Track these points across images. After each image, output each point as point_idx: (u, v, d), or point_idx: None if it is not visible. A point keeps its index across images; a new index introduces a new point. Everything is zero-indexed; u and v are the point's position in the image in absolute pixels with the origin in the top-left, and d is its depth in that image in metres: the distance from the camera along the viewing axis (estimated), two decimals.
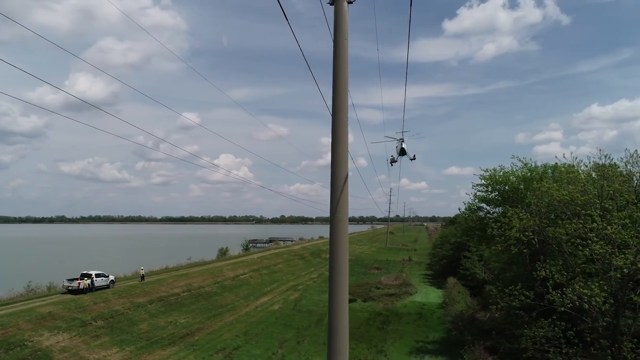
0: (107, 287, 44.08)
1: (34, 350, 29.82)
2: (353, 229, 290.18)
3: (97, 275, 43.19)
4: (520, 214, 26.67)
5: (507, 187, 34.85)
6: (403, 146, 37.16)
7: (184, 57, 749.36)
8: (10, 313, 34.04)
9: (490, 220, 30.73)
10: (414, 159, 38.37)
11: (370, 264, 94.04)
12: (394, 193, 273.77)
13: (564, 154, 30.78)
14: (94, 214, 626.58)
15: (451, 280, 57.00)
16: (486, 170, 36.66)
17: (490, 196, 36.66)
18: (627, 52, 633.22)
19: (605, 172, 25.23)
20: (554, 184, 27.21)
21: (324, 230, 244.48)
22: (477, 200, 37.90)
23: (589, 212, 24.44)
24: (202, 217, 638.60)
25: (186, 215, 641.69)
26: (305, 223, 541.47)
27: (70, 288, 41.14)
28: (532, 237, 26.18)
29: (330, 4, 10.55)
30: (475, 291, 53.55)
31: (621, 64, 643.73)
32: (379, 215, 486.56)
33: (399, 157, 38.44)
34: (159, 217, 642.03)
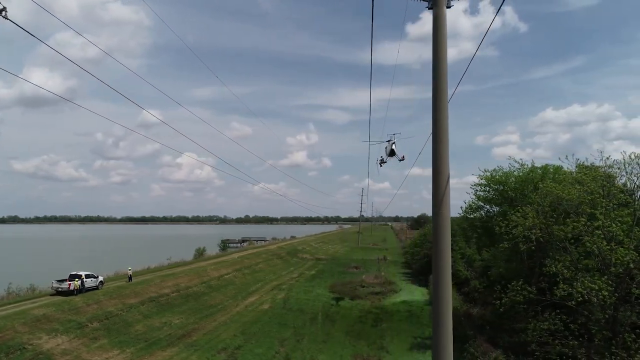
0: (96, 288, 42.84)
1: (35, 354, 28.80)
2: (322, 228, 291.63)
3: (87, 276, 41.90)
4: (529, 213, 27.92)
5: (505, 187, 36.28)
6: (393, 147, 38.03)
7: (146, 54, 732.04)
8: (3, 316, 32.63)
9: (498, 219, 31.93)
10: (403, 159, 39.23)
11: (348, 263, 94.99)
12: (365, 193, 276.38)
13: (566, 156, 32.16)
14: (49, 214, 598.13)
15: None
16: (485, 171, 38.09)
17: (489, 196, 38.06)
18: (579, 59, 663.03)
19: (606, 173, 26.83)
20: (556, 185, 28.59)
21: (292, 230, 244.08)
22: (477, 200, 39.25)
23: (592, 210, 25.88)
24: (163, 217, 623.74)
25: (147, 215, 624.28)
26: (271, 223, 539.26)
27: (60, 289, 39.76)
28: (539, 235, 27.47)
29: (429, 8, 10.95)
30: (458, 288, 55.15)
31: (574, 71, 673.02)
32: (343, 215, 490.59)
33: (388, 157, 39.34)
34: (118, 217, 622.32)
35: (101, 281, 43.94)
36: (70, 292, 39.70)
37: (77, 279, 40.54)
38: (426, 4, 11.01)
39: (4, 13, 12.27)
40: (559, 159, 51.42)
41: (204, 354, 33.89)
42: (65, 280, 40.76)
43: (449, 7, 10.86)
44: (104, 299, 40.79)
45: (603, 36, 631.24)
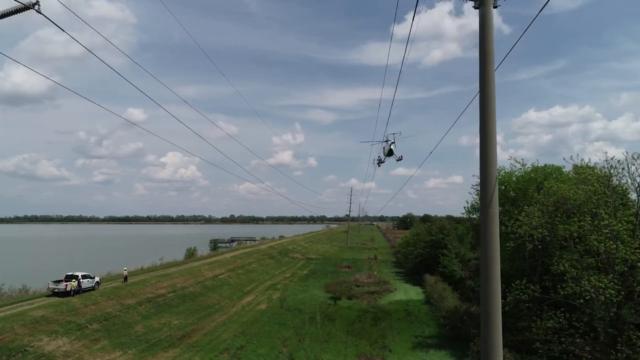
0: (92, 288, 42.12)
1: (36, 356, 28.20)
2: (309, 228, 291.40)
3: (83, 277, 41.16)
4: (534, 213, 28.27)
5: (507, 187, 36.61)
6: (391, 147, 37.98)
7: (131, 52, 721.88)
8: (1, 317, 31.90)
9: (504, 219, 32.19)
10: (401, 159, 39.24)
11: (339, 263, 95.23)
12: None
13: (571, 156, 32.58)
14: (29, 214, 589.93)
15: (430, 278, 58.65)
16: None
17: None
18: (561, 62, 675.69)
19: (609, 173, 27.32)
20: (562, 185, 28.99)
21: (278, 230, 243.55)
22: (479, 199, 39.35)
23: (596, 210, 26.28)
24: (147, 216, 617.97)
25: (131, 214, 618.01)
26: (257, 223, 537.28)
27: (56, 290, 38.99)
28: (546, 234, 27.83)
29: (475, 8, 10.97)
30: (452, 287, 55.54)
31: (556, 73, 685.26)
32: (329, 215, 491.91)
33: (386, 157, 39.32)
34: (101, 216, 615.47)
35: (97, 282, 43.20)
36: (66, 292, 38.97)
37: (73, 280, 39.82)
38: (472, 3, 11.04)
39: (37, 7, 11.99)
40: (564, 159, 52.28)
41: (206, 355, 33.54)
42: (62, 281, 40.00)
43: (495, 6, 10.89)
44: (101, 299, 40.12)
45: (585, 39, 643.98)
